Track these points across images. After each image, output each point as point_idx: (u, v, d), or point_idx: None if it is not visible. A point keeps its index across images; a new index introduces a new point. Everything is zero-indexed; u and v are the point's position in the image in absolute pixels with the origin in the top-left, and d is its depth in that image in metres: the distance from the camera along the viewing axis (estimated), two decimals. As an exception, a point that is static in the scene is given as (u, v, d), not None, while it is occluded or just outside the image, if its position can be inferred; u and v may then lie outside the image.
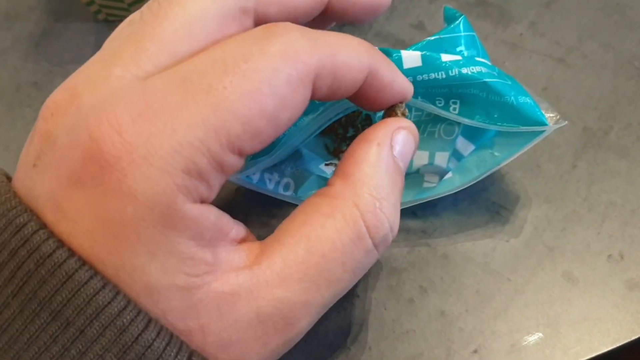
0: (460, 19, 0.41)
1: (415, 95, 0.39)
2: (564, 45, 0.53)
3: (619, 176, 0.46)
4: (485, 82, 0.38)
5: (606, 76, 0.51)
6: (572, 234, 0.44)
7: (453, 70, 0.38)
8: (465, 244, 0.43)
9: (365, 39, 0.57)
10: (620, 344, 0.39)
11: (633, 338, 0.40)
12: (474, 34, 0.42)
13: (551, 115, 0.41)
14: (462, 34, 0.41)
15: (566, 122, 0.40)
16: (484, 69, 0.38)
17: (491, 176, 0.44)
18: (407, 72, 0.38)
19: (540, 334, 0.40)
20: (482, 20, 0.55)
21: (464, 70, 0.38)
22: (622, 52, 0.52)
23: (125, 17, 0.62)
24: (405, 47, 0.39)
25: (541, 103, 0.42)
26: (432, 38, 0.40)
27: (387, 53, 0.38)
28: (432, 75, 0.38)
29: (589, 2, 0.55)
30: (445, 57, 0.38)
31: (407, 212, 0.44)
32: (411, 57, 0.38)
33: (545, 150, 0.47)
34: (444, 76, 0.38)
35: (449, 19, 0.43)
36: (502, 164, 0.42)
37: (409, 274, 0.43)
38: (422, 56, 0.38)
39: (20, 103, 0.56)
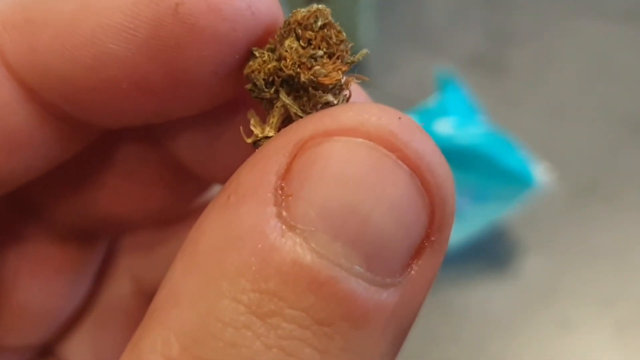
0: (450, 85, 0.46)
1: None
2: (556, 98, 0.57)
3: (609, 222, 0.49)
4: (477, 149, 0.42)
5: (596, 127, 0.55)
6: (566, 279, 0.47)
7: (447, 142, 0.42)
8: (465, 294, 0.47)
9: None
10: (611, 383, 0.43)
11: (623, 377, 0.43)
12: (464, 95, 0.46)
13: (542, 171, 0.45)
14: (453, 99, 0.45)
15: (555, 178, 0.44)
16: (476, 137, 0.43)
17: (488, 228, 0.47)
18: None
19: (536, 377, 0.43)
20: (479, 76, 0.59)
21: (457, 141, 0.42)
22: (611, 103, 0.56)
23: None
24: (405, 103, 0.43)
25: (532, 159, 0.46)
26: (427, 108, 0.44)
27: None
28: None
29: (581, 56, 0.59)
30: (439, 127, 0.42)
31: (411, 264, 0.48)
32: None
33: (539, 201, 0.51)
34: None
35: (441, 83, 0.48)
36: (497, 217, 0.46)
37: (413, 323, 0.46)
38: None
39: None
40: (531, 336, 0.45)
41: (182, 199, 0.18)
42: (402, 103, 0.60)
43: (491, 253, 0.49)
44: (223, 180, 0.13)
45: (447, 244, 0.13)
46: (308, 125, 0.12)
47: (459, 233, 0.47)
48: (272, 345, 0.11)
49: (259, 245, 0.11)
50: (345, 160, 0.11)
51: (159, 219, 0.18)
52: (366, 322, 0.11)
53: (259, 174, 0.12)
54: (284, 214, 0.11)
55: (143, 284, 0.20)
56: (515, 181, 0.44)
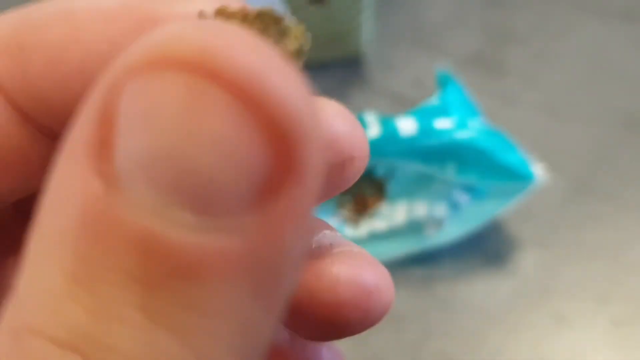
0: (451, 84, 0.46)
1: (415, 159, 0.44)
2: (554, 97, 0.57)
3: (605, 220, 0.50)
4: (475, 145, 0.43)
5: (593, 125, 0.55)
6: (562, 275, 0.48)
7: (446, 138, 0.42)
8: (464, 289, 0.48)
9: (366, 96, 0.62)
10: (606, 378, 0.44)
11: (618, 372, 0.44)
12: (464, 95, 0.47)
13: (539, 168, 0.46)
14: (453, 98, 0.46)
15: (552, 174, 0.45)
16: (474, 133, 0.43)
17: (486, 224, 0.48)
18: (404, 141, 0.42)
19: (532, 371, 0.44)
20: (477, 74, 0.60)
21: (456, 136, 0.42)
22: (608, 102, 0.56)
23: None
24: (404, 103, 0.44)
25: (530, 156, 0.46)
26: (426, 106, 0.45)
27: (385, 124, 0.43)
28: (428, 143, 0.43)
29: (579, 55, 0.60)
30: (439, 124, 0.43)
31: (408, 260, 0.49)
32: (407, 128, 0.43)
33: (536, 197, 0.51)
34: (438, 143, 0.42)
35: (441, 82, 0.48)
36: (496, 214, 0.47)
37: (412, 318, 0.47)
38: (418, 126, 0.43)
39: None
40: (527, 331, 0.46)
41: None
42: (403, 102, 0.61)
43: (487, 249, 0.49)
44: None
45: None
46: (126, 56, 0.10)
47: (457, 229, 0.47)
48: (95, 310, 0.10)
49: (78, 207, 0.10)
50: (154, 98, 0.10)
51: None
52: (202, 274, 0.10)
53: (79, 122, 0.10)
54: (103, 167, 0.10)
55: None
56: (514, 178, 0.44)
